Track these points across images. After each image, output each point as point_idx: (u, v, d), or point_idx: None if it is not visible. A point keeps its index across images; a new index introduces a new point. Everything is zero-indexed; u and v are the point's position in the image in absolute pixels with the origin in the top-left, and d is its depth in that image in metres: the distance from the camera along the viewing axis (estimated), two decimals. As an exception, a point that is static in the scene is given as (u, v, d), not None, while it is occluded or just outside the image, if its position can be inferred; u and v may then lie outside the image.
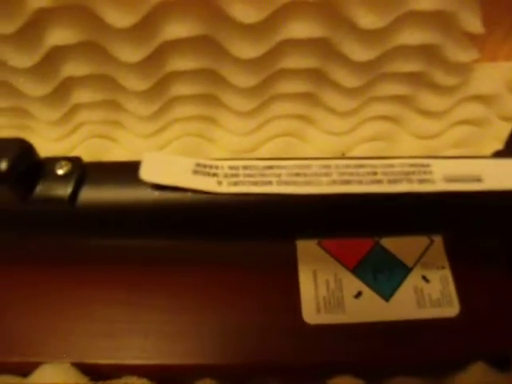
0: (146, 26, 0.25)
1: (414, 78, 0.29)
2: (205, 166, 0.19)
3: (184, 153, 0.30)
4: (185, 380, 0.23)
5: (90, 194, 0.19)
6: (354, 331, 0.24)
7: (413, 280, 0.25)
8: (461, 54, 0.28)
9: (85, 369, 0.23)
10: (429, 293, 0.25)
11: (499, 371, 0.23)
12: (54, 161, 0.20)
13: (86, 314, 0.24)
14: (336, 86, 0.29)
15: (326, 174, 0.19)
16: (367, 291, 0.25)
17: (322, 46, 0.27)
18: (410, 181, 0.19)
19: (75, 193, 0.19)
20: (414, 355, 0.23)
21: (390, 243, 0.26)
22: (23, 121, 0.30)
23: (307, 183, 0.19)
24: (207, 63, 0.27)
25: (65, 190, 0.19)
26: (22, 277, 0.25)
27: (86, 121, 0.30)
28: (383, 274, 0.25)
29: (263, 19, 0.24)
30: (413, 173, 0.19)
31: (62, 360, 0.23)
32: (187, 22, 0.25)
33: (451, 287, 0.25)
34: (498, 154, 0.23)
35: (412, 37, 0.26)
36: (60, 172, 0.19)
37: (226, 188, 0.19)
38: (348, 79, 0.28)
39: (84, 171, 0.20)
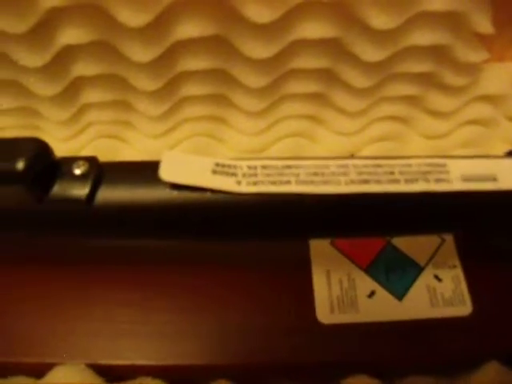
0: (158, 26, 0.25)
1: (424, 79, 0.29)
2: (224, 166, 0.19)
3: (194, 153, 0.30)
4: (200, 381, 0.23)
5: (108, 194, 0.19)
6: (367, 330, 0.24)
7: (425, 279, 0.25)
8: (471, 55, 0.28)
9: (99, 370, 0.23)
10: (441, 292, 0.25)
11: (513, 370, 0.23)
12: (70, 160, 0.20)
13: (106, 315, 0.24)
14: (346, 87, 0.29)
15: (344, 174, 0.19)
16: (380, 291, 0.25)
17: (334, 46, 0.27)
18: (426, 180, 0.19)
19: (93, 193, 0.19)
20: (427, 354, 0.23)
21: (401, 243, 0.26)
22: (32, 120, 0.30)
23: (325, 183, 0.19)
24: (218, 63, 0.27)
25: (82, 190, 0.19)
26: (36, 275, 0.25)
27: (95, 121, 0.30)
28: (396, 273, 0.25)
29: (276, 19, 0.24)
30: (429, 172, 0.19)
31: (77, 361, 0.23)
32: (200, 21, 0.25)
33: (463, 286, 0.25)
34: (511, 154, 0.23)
35: (423, 37, 0.27)
36: (77, 172, 0.19)
37: (245, 188, 0.19)
38: (358, 79, 0.28)
39: (101, 171, 0.19)
